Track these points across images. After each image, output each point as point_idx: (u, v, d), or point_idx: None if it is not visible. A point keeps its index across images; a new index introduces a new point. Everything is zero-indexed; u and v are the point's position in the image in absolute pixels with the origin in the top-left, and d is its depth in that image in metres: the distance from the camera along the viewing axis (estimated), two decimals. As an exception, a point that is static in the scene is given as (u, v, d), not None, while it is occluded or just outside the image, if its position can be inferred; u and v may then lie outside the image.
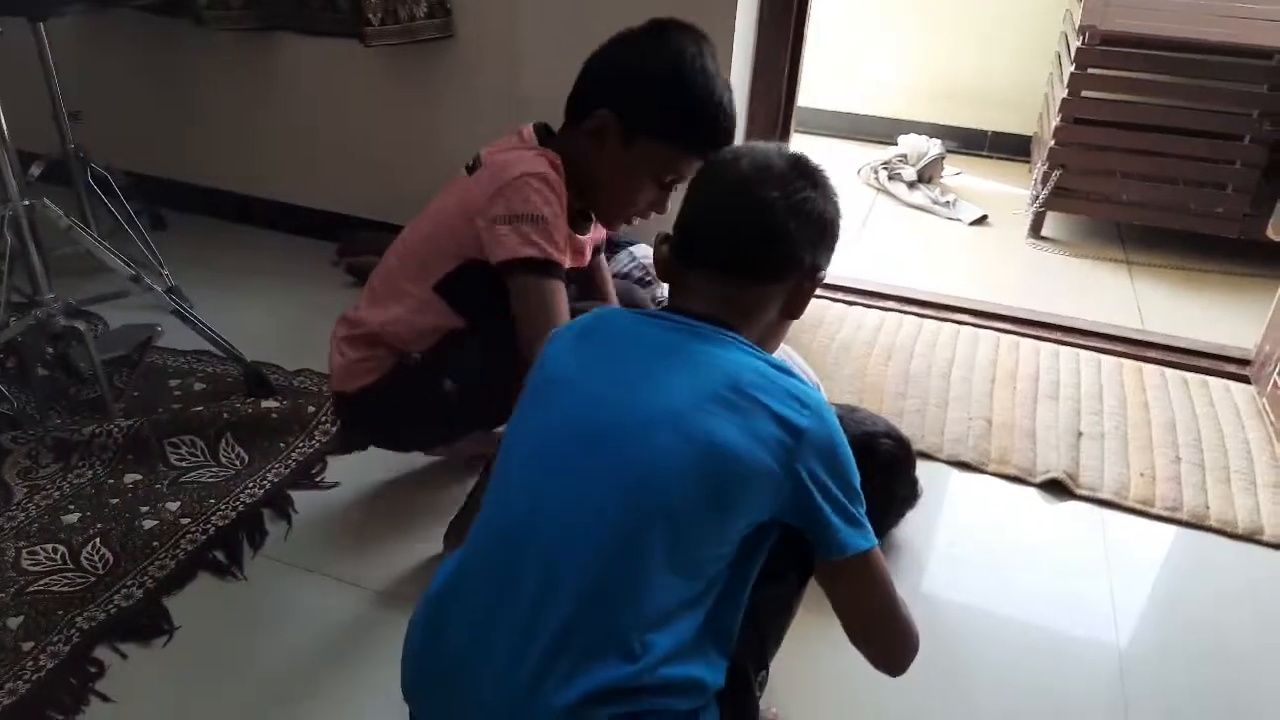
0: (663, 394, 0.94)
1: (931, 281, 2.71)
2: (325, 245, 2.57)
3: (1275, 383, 2.03)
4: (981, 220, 3.24)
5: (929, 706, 1.36)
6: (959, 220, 3.25)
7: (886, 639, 1.01)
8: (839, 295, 2.52)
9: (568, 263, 1.41)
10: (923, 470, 1.83)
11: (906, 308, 2.48)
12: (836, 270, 2.75)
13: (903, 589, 1.57)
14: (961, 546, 1.69)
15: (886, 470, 1.61)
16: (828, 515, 0.94)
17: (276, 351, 2.07)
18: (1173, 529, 1.74)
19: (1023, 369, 2.19)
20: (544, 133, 1.47)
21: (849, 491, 0.97)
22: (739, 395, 0.93)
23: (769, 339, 1.09)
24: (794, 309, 1.08)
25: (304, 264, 2.53)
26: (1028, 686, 1.41)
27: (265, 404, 1.86)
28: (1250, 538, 1.71)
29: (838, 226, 1.10)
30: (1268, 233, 2.70)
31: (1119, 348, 2.32)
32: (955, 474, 1.87)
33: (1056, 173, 2.98)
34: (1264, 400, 2.08)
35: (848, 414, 1.67)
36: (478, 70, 2.30)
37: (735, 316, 1.02)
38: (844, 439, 0.98)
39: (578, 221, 1.49)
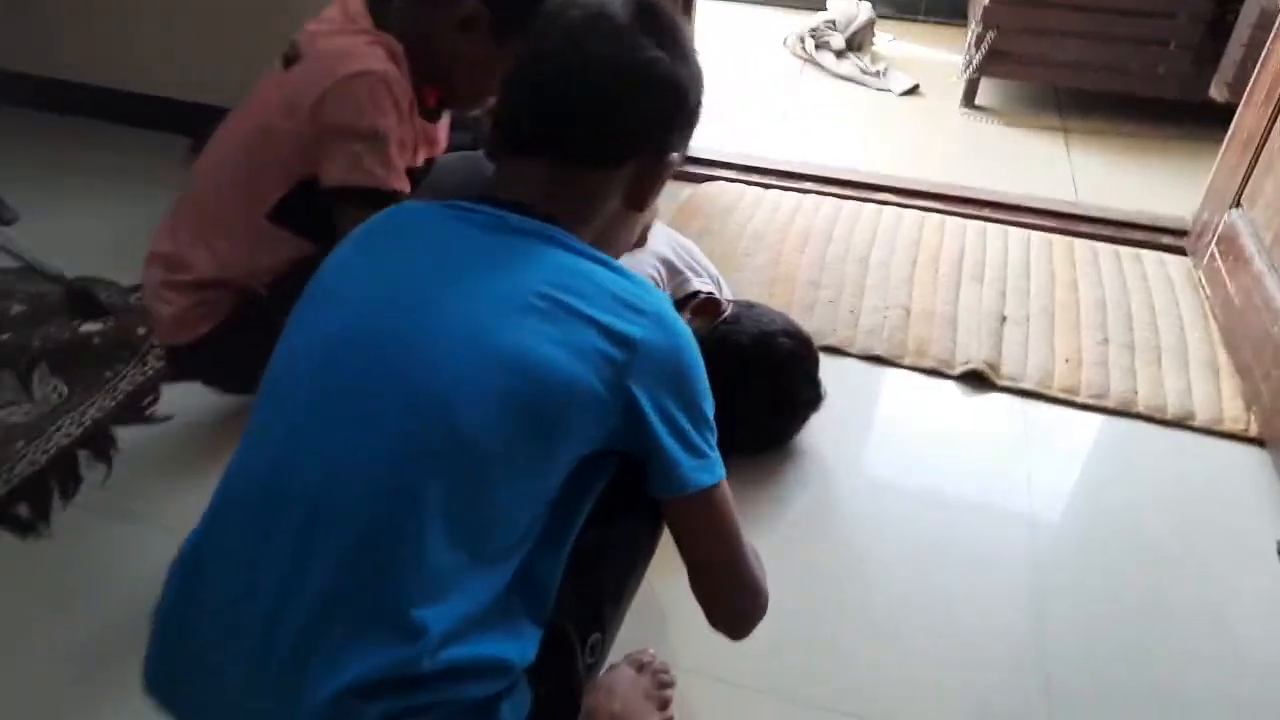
0: (461, 302, 0.75)
1: (858, 159, 2.51)
2: (180, 140, 2.28)
3: (1212, 254, 1.89)
4: (913, 90, 3.02)
5: (829, 619, 1.25)
6: (889, 91, 3.02)
7: (726, 594, 0.86)
8: (755, 178, 2.32)
9: (406, 185, 1.18)
10: (834, 367, 1.69)
11: (826, 188, 2.28)
12: (755, 150, 2.59)
13: (808, 498, 1.47)
14: (872, 448, 1.55)
15: (785, 370, 1.45)
16: (665, 443, 0.77)
17: (112, 264, 1.82)
18: (1099, 418, 1.61)
19: (946, 249, 2.02)
20: (376, 2, 1.19)
21: (695, 415, 0.80)
22: (555, 303, 0.75)
23: (612, 236, 0.89)
24: (639, 199, 0.87)
25: (154, 161, 2.24)
26: (941, 593, 1.30)
27: (87, 327, 1.63)
28: (1181, 423, 1.59)
29: (695, 96, 0.88)
30: (1210, 92, 2.52)
31: (1049, 222, 2.15)
32: (869, 370, 1.71)
33: (991, 34, 2.75)
34: (1200, 273, 1.94)
35: (744, 311, 1.50)
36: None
37: (564, 209, 0.83)
38: (694, 352, 0.81)
39: (426, 108, 1.25)
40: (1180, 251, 2.05)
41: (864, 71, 3.10)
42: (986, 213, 2.18)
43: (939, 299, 1.86)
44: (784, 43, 3.33)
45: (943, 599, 1.29)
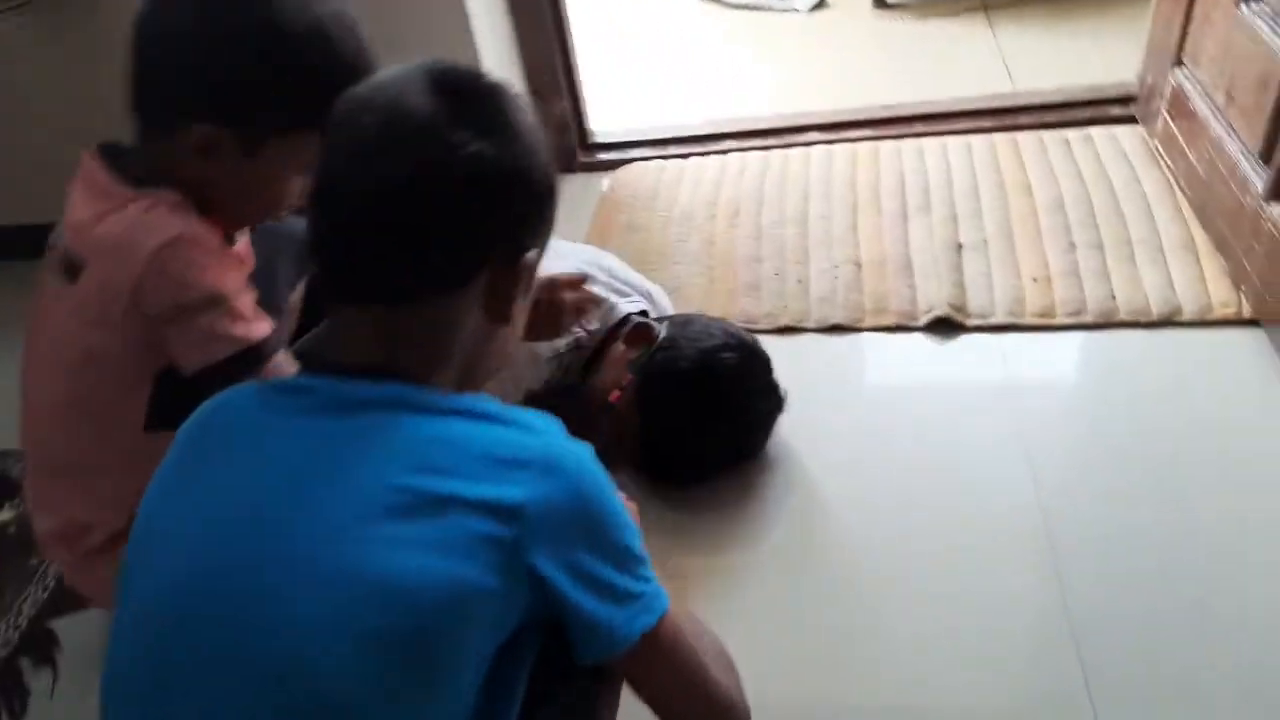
0: (305, 522, 0.62)
1: (777, 94, 2.36)
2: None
3: (1164, 119, 1.74)
4: (820, 4, 2.84)
5: (842, 624, 1.17)
6: (796, 10, 2.84)
7: None
8: (671, 150, 2.17)
9: (269, 323, 1.03)
10: (793, 348, 1.57)
11: (747, 143, 2.13)
12: (668, 116, 2.42)
13: (793, 505, 1.35)
14: (849, 430, 1.42)
15: (736, 389, 1.32)
16: (588, 606, 0.66)
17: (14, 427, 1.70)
18: (1081, 335, 1.49)
19: (885, 183, 1.88)
20: (114, 159, 1.00)
21: (618, 556, 0.68)
22: (416, 493, 0.62)
23: (480, 362, 0.76)
24: (500, 312, 0.73)
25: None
26: (953, 558, 1.21)
27: (1, 516, 1.52)
28: (1169, 321, 1.46)
29: (538, 179, 0.72)
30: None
31: (987, 122, 2.01)
32: (830, 342, 1.58)
33: (885, -75, 2.57)
34: (1156, 141, 1.80)
35: (680, 331, 1.36)
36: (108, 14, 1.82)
37: (411, 357, 0.70)
38: (597, 482, 0.69)
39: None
40: (1132, 120, 1.91)
41: (765, -5, 2.92)
42: (919, 128, 2.04)
43: (888, 241, 1.73)
44: (676, -15, 3.14)
45: (956, 565, 1.20)
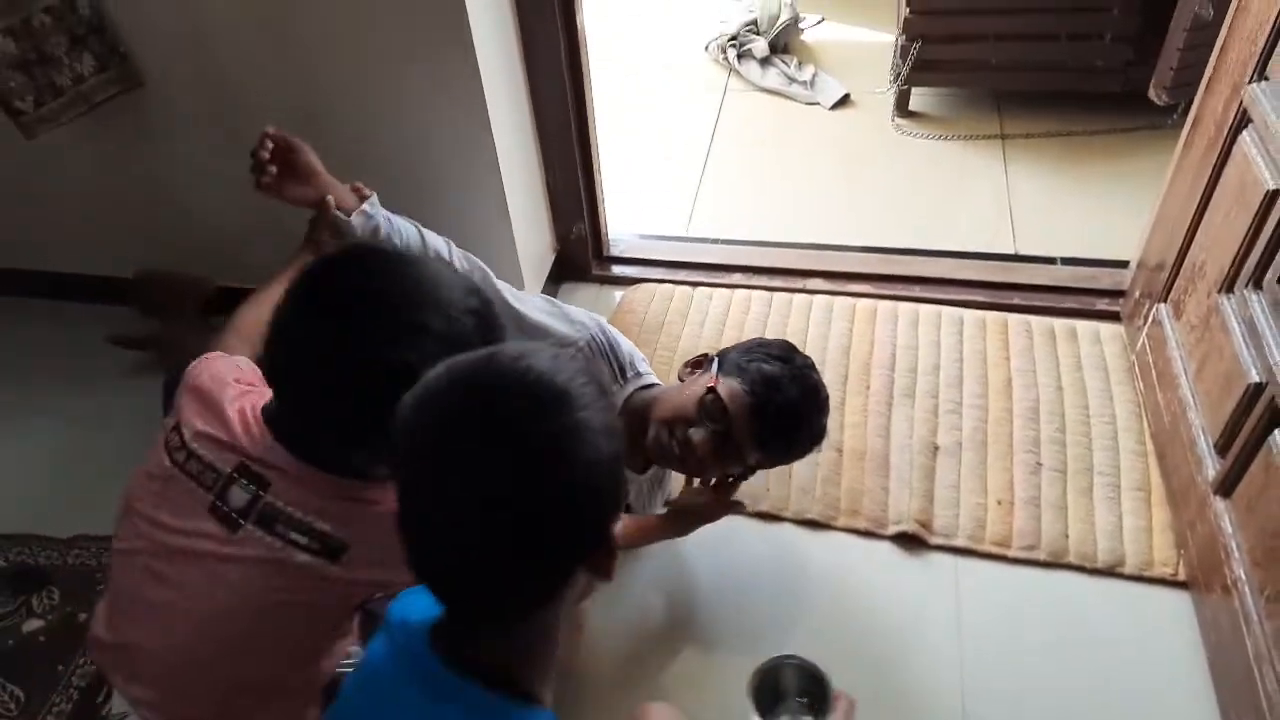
0: None
1: (789, 204, 2.48)
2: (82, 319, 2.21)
3: (1145, 343, 1.84)
4: (844, 101, 2.88)
5: None
6: (818, 104, 2.88)
7: None
8: (682, 275, 2.25)
9: None
10: (769, 535, 1.71)
11: (755, 279, 2.21)
12: (680, 219, 2.48)
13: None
14: (804, 633, 1.55)
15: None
16: None
17: (45, 512, 1.81)
18: (1030, 571, 1.61)
19: (877, 355, 1.98)
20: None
21: None
22: None
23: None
24: (608, 573, 0.81)
25: (62, 352, 2.17)
26: None
27: (30, 624, 1.64)
28: (1110, 571, 1.59)
29: (618, 469, 0.78)
30: (1149, 94, 2.41)
31: (981, 296, 2.10)
32: (803, 536, 1.71)
33: (915, 45, 2.59)
34: (1133, 357, 1.90)
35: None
36: (190, 111, 1.87)
37: (522, 657, 0.82)
38: None
39: None
40: (1118, 318, 2.01)
41: (792, 81, 2.95)
42: (917, 291, 2.13)
43: (870, 430, 1.84)
44: (705, 49, 3.16)
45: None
